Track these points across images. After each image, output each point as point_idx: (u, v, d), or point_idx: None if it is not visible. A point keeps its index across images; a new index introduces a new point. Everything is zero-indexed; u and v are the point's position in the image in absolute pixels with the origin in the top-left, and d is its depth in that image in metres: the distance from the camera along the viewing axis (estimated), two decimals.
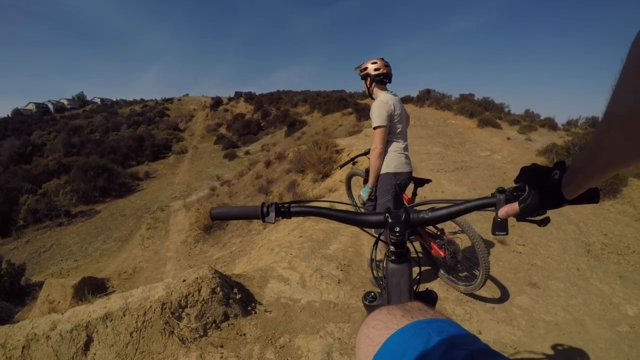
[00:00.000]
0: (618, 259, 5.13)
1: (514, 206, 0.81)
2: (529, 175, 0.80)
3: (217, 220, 1.06)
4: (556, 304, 3.63)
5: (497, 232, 0.85)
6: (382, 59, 3.06)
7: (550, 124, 20.51)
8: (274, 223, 0.98)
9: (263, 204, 0.97)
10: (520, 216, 0.82)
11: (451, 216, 0.93)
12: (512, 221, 0.87)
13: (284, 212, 0.98)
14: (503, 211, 0.83)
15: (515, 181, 0.83)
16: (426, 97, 27.46)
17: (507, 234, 0.85)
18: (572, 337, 3.09)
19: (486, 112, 19.93)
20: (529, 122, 19.73)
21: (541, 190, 0.76)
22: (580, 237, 5.71)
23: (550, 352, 2.83)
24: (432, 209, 0.93)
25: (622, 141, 0.47)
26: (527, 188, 0.79)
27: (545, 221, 0.82)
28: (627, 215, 6.86)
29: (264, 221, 0.97)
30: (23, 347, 2.10)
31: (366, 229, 1.09)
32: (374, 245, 1.11)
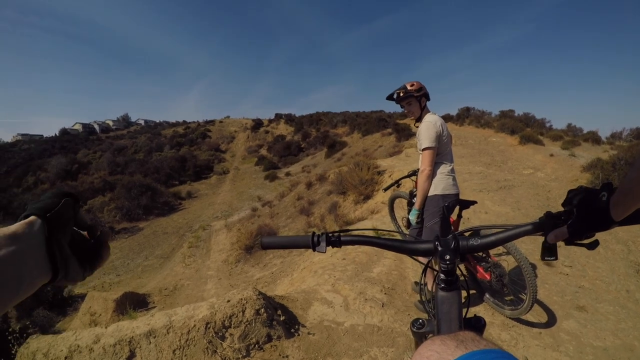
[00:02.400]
0: None
1: (563, 230, 0.80)
2: (576, 198, 0.79)
3: (268, 249, 1.08)
4: (605, 328, 3.46)
5: (546, 258, 0.86)
6: None
7: (593, 138, 19.59)
8: (324, 252, 0.99)
9: (314, 233, 0.99)
10: (569, 240, 0.81)
11: (500, 243, 0.92)
12: (559, 243, 0.82)
13: (334, 241, 0.99)
14: (552, 236, 0.82)
15: (563, 204, 0.82)
16: (466, 115, 26.97)
17: (556, 259, 0.85)
18: None
19: (527, 129, 19.33)
20: (572, 137, 18.94)
21: (589, 213, 0.75)
22: (629, 256, 5.41)
23: None
24: (481, 236, 0.92)
25: None
26: (574, 211, 0.78)
27: (594, 244, 0.80)
28: None
29: (315, 250, 0.98)
30: (65, 358, 2.13)
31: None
32: (422, 273, 1.11)
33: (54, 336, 2.33)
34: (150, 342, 2.28)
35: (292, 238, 1.02)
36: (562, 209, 0.83)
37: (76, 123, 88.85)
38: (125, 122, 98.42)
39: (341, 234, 1.00)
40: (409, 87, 3.00)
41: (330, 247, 0.99)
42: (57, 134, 77.26)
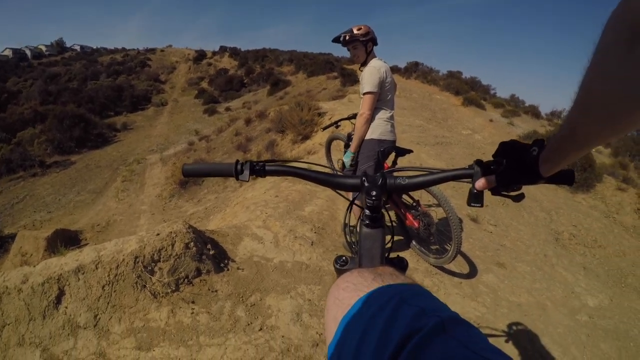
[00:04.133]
0: (584, 250, 5.30)
1: (491, 179, 0.82)
2: (508, 150, 0.80)
3: (190, 176, 1.03)
4: (521, 285, 3.73)
5: (472, 204, 0.87)
6: None
7: (534, 112, 20.64)
8: (247, 181, 0.95)
9: (237, 161, 0.95)
10: (496, 190, 0.83)
11: (428, 184, 0.94)
12: (486, 201, 0.87)
13: (258, 170, 0.96)
14: (480, 183, 0.83)
15: (494, 155, 0.83)
16: (414, 70, 27.21)
17: (482, 205, 0.85)
18: (533, 319, 3.17)
19: (472, 92, 19.86)
20: (513, 107, 19.83)
21: (518, 165, 0.76)
22: (551, 224, 5.87)
23: (511, 331, 2.92)
24: (410, 176, 0.92)
25: (596, 121, 0.48)
26: (504, 162, 0.80)
27: (520, 197, 0.83)
28: (598, 211, 7.08)
29: (237, 179, 0.95)
30: None
31: (342, 193, 1.09)
32: (347, 209, 1.09)
33: None
34: (79, 279, 2.23)
35: (215, 165, 0.99)
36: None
37: (6, 48, 79.90)
38: (59, 47, 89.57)
39: (266, 163, 0.97)
40: (355, 31, 2.97)
41: (254, 176, 0.96)
42: None
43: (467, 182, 0.89)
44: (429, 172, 0.94)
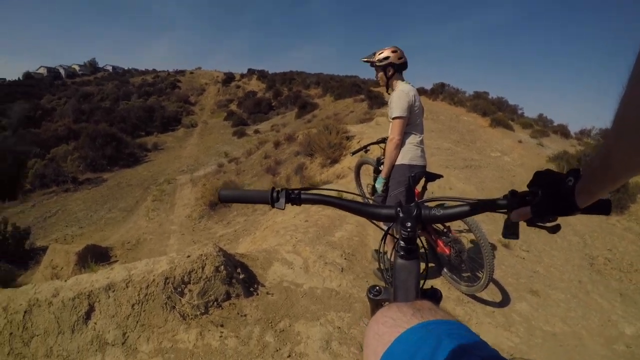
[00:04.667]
0: (620, 275, 5.10)
1: (526, 210, 0.80)
2: (543, 180, 0.78)
3: (226, 202, 1.02)
4: (555, 314, 3.60)
5: (508, 236, 0.87)
6: (397, 47, 2.98)
7: (562, 131, 20.19)
8: (283, 209, 0.95)
9: (273, 189, 0.95)
10: (531, 221, 0.81)
11: (462, 215, 0.91)
12: (521, 223, 0.86)
13: (294, 198, 0.95)
14: (515, 214, 0.82)
15: (529, 185, 0.81)
16: (440, 91, 27.09)
17: (517, 238, 0.86)
18: (568, 350, 3.05)
19: (499, 112, 19.55)
20: (542, 127, 19.46)
21: (554, 197, 0.74)
22: (585, 249, 5.69)
23: None
24: (444, 207, 0.91)
25: (633, 149, 0.47)
26: (540, 193, 0.77)
27: (556, 228, 0.80)
28: (633, 233, 6.80)
29: (273, 206, 0.94)
30: (25, 312, 2.10)
31: (375, 222, 1.06)
32: (382, 239, 1.08)
33: (13, 290, 2.26)
34: (109, 297, 2.26)
35: (251, 192, 0.99)
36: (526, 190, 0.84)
37: (41, 67, 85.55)
38: (92, 67, 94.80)
39: (302, 191, 0.97)
40: (376, 55, 2.97)
41: (289, 204, 0.96)
42: (21, 78, 73.42)
43: (502, 213, 0.87)
44: (463, 203, 0.91)
